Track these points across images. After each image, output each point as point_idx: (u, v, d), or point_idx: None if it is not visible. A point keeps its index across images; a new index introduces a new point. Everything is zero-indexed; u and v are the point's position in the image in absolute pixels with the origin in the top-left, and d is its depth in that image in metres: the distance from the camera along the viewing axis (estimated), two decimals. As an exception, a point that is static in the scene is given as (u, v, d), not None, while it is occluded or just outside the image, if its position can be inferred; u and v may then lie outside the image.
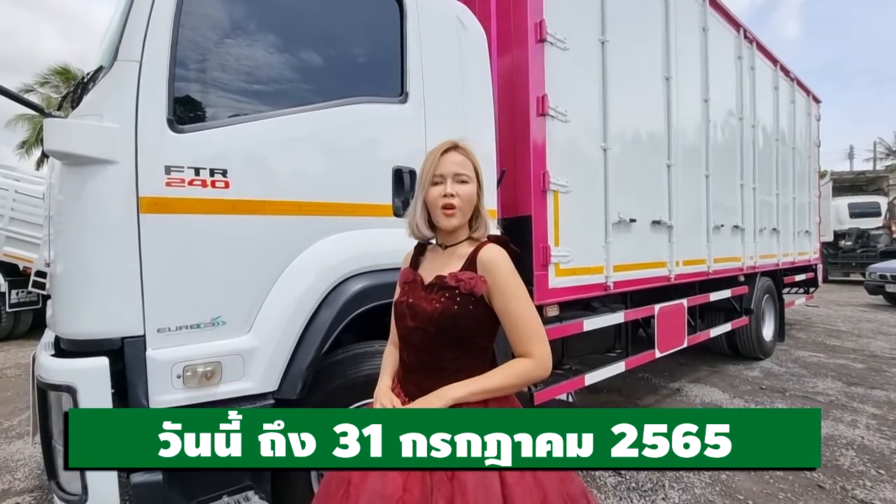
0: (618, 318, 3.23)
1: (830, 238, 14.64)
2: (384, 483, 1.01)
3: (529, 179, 2.53)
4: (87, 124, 1.39)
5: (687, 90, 3.88)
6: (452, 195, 1.14)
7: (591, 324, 3.00)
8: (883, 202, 15.28)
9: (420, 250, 1.31)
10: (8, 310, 7.89)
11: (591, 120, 2.93)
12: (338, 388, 1.86)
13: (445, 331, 1.12)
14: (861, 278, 11.51)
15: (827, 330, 7.36)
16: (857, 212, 14.99)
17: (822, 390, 4.37)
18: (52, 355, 1.47)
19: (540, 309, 2.62)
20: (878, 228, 14.45)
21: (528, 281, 2.48)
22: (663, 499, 2.55)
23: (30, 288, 7.89)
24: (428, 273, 1.22)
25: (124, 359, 1.43)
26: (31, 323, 8.46)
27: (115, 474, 1.38)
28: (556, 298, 2.71)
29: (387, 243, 1.94)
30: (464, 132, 2.17)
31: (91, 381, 1.36)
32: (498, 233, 2.37)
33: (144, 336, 1.46)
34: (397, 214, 2.02)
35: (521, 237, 2.52)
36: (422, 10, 2.14)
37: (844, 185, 15.78)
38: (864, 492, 2.58)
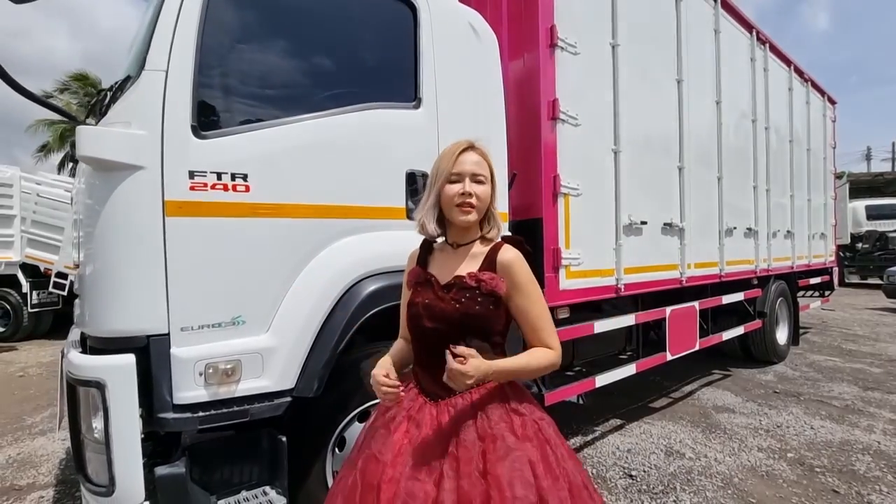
0: (629, 320, 3.23)
1: (847, 241, 14.36)
2: (413, 481, 1.04)
3: (540, 183, 2.56)
4: (117, 131, 1.46)
5: (699, 92, 3.87)
6: (471, 194, 1.16)
7: (602, 326, 3.01)
8: (902, 204, 14.99)
9: (427, 249, 1.31)
10: (30, 310, 8.09)
11: (601, 123, 2.95)
12: (352, 388, 1.91)
13: (466, 330, 1.14)
14: (879, 281, 11.28)
15: (843, 334, 7.24)
16: (874, 214, 14.72)
17: (838, 395, 4.31)
18: (81, 352, 1.53)
19: (551, 311, 2.64)
20: (896, 231, 14.17)
21: (539, 283, 2.50)
22: (675, 501, 2.55)
23: (50, 289, 8.10)
24: (441, 273, 1.23)
25: (150, 356, 1.49)
26: (51, 323, 8.66)
27: (140, 467, 1.44)
28: (567, 301, 2.73)
29: (400, 245, 1.96)
30: (475, 136, 2.21)
31: (119, 377, 1.41)
32: (505, 229, 2.41)
33: (169, 334, 1.51)
34: (410, 217, 2.06)
35: (532, 240, 2.52)
36: (435, 17, 2.19)
37: (862, 186, 15.51)
38: (879, 497, 2.56)
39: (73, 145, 1.84)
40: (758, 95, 4.89)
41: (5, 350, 7.43)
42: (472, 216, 1.19)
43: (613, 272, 3.02)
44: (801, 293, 6.63)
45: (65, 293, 8.12)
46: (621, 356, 3.56)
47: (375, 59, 2.09)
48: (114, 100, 1.65)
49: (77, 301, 1.89)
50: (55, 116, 23.23)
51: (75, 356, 1.52)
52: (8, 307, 8.16)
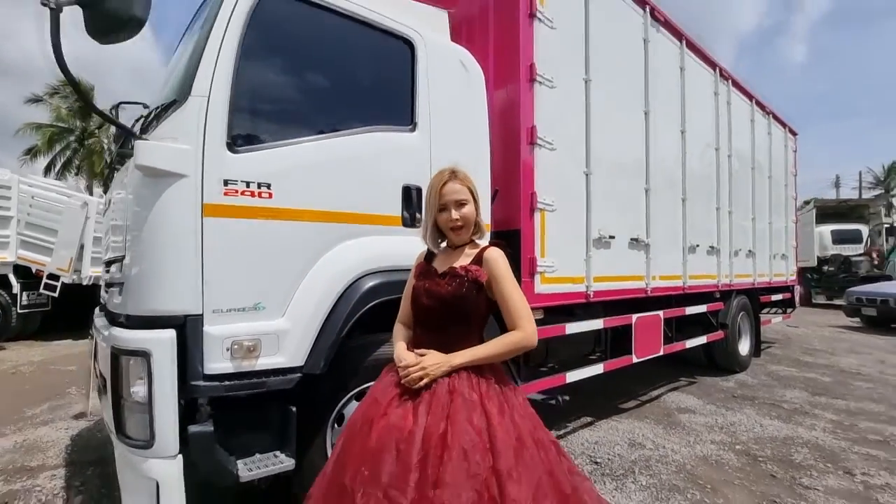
0: (597, 324, 3.58)
1: (814, 263, 15.12)
2: (398, 418, 1.36)
3: (519, 199, 2.91)
4: (168, 145, 1.76)
5: (665, 123, 4.31)
6: (458, 219, 1.52)
7: (573, 328, 3.35)
8: (864, 230, 15.80)
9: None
10: (19, 310, 8.14)
11: (575, 148, 3.34)
12: (350, 371, 2.20)
13: (453, 308, 1.48)
14: (842, 302, 11.90)
15: (803, 348, 7.72)
16: (839, 238, 15.50)
17: (789, 399, 4.71)
18: (128, 328, 1.82)
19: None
20: (859, 255, 14.93)
21: (516, 286, 2.84)
22: (633, 482, 2.88)
23: (41, 290, 8.17)
24: (442, 266, 1.58)
25: (186, 332, 1.77)
26: (39, 324, 8.70)
27: (176, 424, 1.71)
28: (542, 304, 3.07)
29: (395, 248, 2.30)
30: (462, 157, 2.56)
31: (162, 348, 1.70)
32: (495, 240, 2.75)
33: (202, 315, 1.80)
34: (405, 224, 2.39)
35: (510, 249, 2.87)
36: (430, 54, 2.55)
37: (828, 212, 16.34)
38: (810, 480, 2.92)
39: (112, 154, 2.16)
40: (721, 126, 5.37)
41: (-7, 350, 7.48)
42: (463, 235, 1.57)
43: (584, 280, 3.38)
44: (765, 309, 7.11)
45: (55, 294, 8.21)
46: (591, 357, 3.90)
47: (379, 88, 2.44)
48: (157, 117, 1.96)
49: (112, 289, 2.16)
50: (43, 121, 23.32)
51: (121, 331, 1.80)
52: (-3, 307, 8.20)
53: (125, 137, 2.11)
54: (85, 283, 8.41)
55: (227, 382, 1.83)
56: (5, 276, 8.06)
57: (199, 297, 1.80)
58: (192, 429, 1.75)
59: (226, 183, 1.86)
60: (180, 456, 1.73)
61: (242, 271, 1.90)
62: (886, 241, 14.90)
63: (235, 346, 1.84)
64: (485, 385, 1.45)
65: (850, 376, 5.75)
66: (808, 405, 4.51)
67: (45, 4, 1.40)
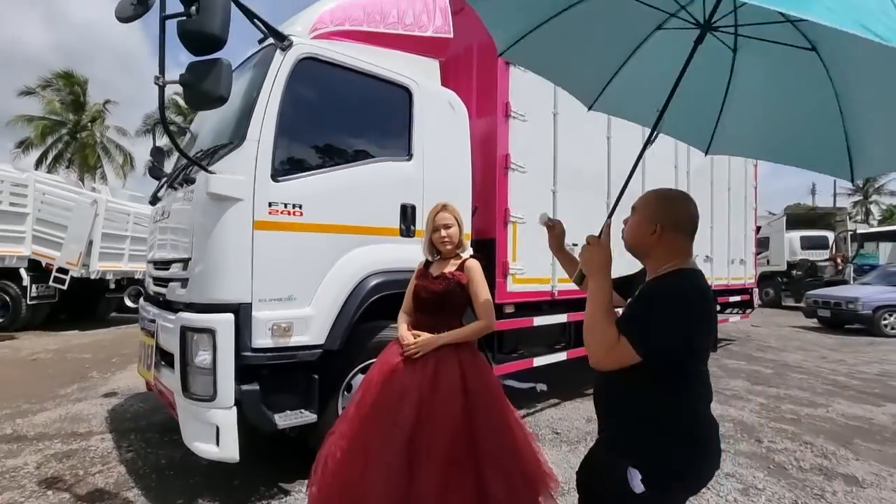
0: (562, 318, 4.23)
1: (784, 267, 16.07)
2: (403, 374, 1.98)
3: (495, 213, 3.55)
4: (231, 177, 2.37)
5: (625, 145, 4.94)
6: (446, 237, 2.13)
7: (540, 321, 4.00)
8: (831, 236, 16.78)
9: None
10: (28, 302, 8.59)
11: (543, 170, 3.98)
12: (358, 350, 2.82)
13: (443, 301, 2.09)
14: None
15: (758, 345, 8.50)
16: (807, 244, 16.44)
17: (731, 387, 5.43)
18: (193, 313, 2.41)
19: (500, 307, 3.61)
20: (824, 260, 15.88)
21: (492, 285, 3.47)
22: (584, 447, 3.53)
23: (50, 283, 8.63)
24: (435, 271, 2.19)
25: (239, 316, 2.38)
26: (46, 316, 9.14)
27: (233, 384, 2.31)
28: (513, 300, 3.72)
29: (394, 254, 2.93)
30: (449, 180, 3.19)
31: (224, 326, 2.30)
32: (471, 250, 3.38)
33: (252, 303, 2.41)
34: (402, 234, 3.01)
35: (487, 254, 3.52)
36: (424, 98, 3.18)
37: (800, 219, 17.29)
38: (725, 445, 3.59)
39: (152, 166, 2.78)
40: (680, 146, 6.05)
41: (5, 339, 7.92)
42: (449, 247, 2.17)
43: (550, 281, 4.03)
44: (727, 309, 7.86)
45: (64, 287, 8.67)
46: (557, 347, 4.55)
47: (384, 127, 3.06)
48: (215, 152, 2.56)
49: (172, 283, 2.74)
50: (36, 113, 23.45)
51: (188, 314, 2.41)
52: (7, 299, 8.63)
53: (187, 163, 2.70)
54: (93, 276, 8.90)
55: (268, 354, 2.44)
56: (15, 269, 8.50)
57: (250, 290, 2.41)
58: (244, 387, 2.35)
59: (270, 204, 2.47)
60: (235, 407, 2.33)
61: (280, 271, 2.51)
62: (850, 247, 15.90)
63: (275, 327, 2.45)
64: (461, 354, 2.08)
65: (790, 369, 6.50)
66: (746, 392, 5.23)
67: (155, 83, 1.99)
